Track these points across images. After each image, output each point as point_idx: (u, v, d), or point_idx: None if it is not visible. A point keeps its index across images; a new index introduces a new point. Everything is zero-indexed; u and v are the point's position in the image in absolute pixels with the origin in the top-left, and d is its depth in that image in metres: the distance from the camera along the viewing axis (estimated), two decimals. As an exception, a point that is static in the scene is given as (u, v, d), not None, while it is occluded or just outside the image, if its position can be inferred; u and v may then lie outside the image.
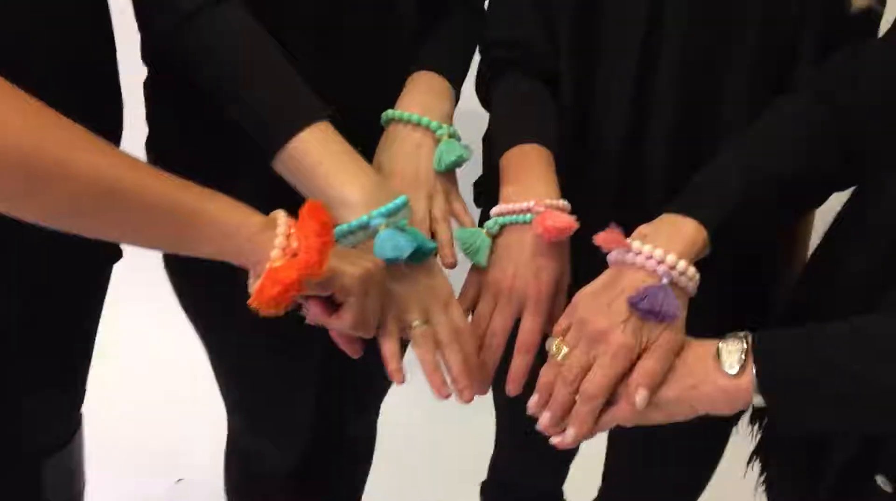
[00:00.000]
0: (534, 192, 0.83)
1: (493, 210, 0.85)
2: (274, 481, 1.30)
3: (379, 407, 1.34)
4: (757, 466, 0.93)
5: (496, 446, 1.27)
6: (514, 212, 0.83)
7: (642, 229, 0.78)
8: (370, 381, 1.24)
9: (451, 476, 1.63)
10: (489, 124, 0.96)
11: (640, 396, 0.72)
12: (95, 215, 0.65)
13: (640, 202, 0.91)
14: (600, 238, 0.77)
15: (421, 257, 0.79)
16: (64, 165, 0.62)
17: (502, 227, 0.84)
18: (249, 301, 0.69)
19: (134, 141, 0.96)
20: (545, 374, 0.78)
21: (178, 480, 1.76)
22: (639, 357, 0.74)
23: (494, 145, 0.91)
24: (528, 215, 0.82)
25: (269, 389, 1.16)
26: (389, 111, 0.90)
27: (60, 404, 1.00)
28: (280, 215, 0.71)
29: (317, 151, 0.79)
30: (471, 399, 0.79)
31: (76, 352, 1.00)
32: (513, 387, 0.82)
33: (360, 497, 1.44)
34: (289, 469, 1.29)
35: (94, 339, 1.01)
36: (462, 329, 0.81)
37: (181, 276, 1.05)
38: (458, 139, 0.90)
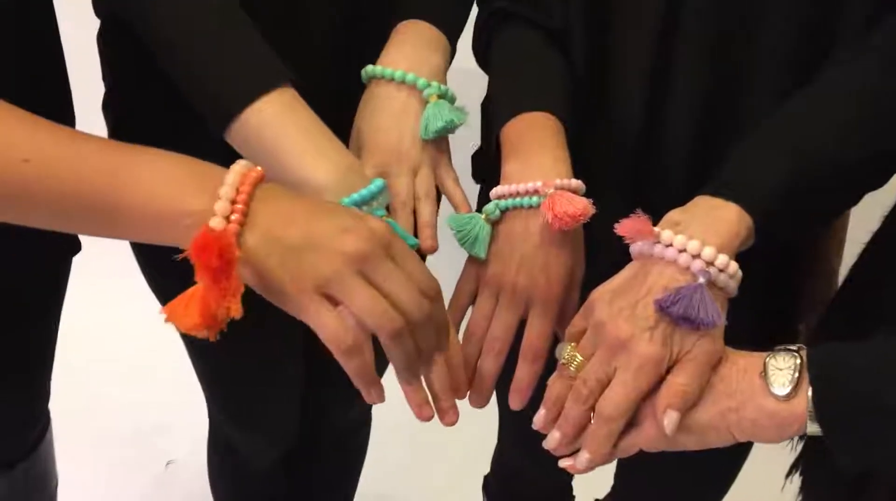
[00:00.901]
0: (541, 170, 0.69)
1: (494, 191, 0.71)
2: (259, 474, 1.22)
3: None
4: (797, 479, 0.80)
5: (499, 438, 1.16)
6: (517, 194, 0.69)
7: (673, 215, 0.65)
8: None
9: (451, 467, 1.53)
10: (488, 87, 0.81)
11: (670, 419, 0.59)
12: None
13: (662, 182, 0.77)
14: (624, 227, 0.63)
15: None
16: None
17: (504, 212, 0.70)
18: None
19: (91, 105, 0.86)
20: (555, 387, 0.65)
21: (169, 462, 1.67)
22: (668, 371, 0.61)
23: (494, 113, 0.76)
24: (535, 198, 0.68)
25: (251, 384, 1.06)
26: (370, 67, 0.76)
27: (20, 415, 0.89)
28: (226, 190, 0.54)
29: (278, 123, 0.65)
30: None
31: (35, 356, 0.89)
32: (516, 400, 0.70)
33: (354, 488, 1.36)
34: (274, 462, 1.20)
35: (56, 337, 0.90)
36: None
37: (154, 271, 0.94)
38: (452, 100, 0.76)
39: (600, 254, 0.70)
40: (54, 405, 0.94)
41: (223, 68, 0.66)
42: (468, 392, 0.70)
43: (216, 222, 0.53)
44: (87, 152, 0.54)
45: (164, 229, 0.55)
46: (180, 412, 1.67)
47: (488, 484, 1.22)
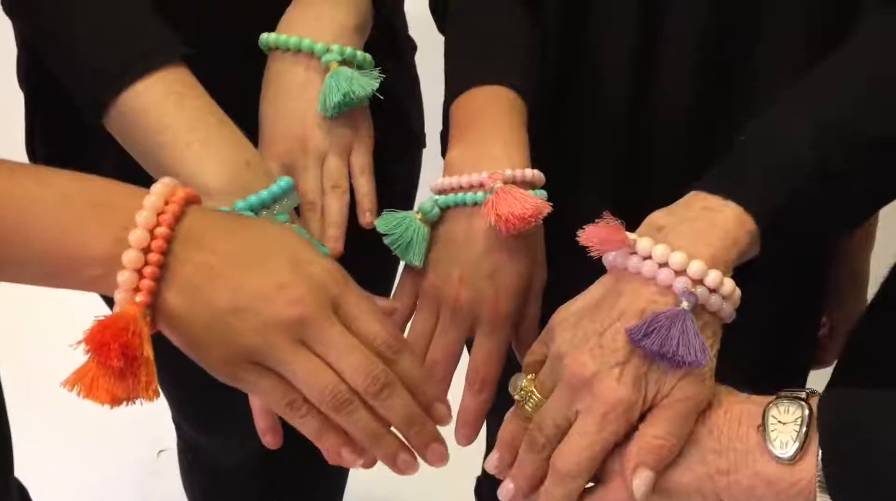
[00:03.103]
0: (490, 158, 0.56)
1: (434, 185, 0.58)
2: (233, 477, 1.12)
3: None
4: None
5: (488, 439, 1.03)
6: (459, 188, 0.57)
7: (656, 217, 0.51)
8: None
9: (443, 468, 1.42)
10: (444, 56, 0.67)
11: (640, 479, 0.46)
12: None
13: (651, 172, 0.64)
14: (589, 235, 0.49)
15: None
16: None
17: (444, 209, 0.57)
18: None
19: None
20: (508, 427, 0.53)
21: (161, 451, 1.59)
22: (642, 418, 0.48)
23: (446, 85, 0.63)
24: (480, 193, 0.56)
25: (213, 387, 0.93)
26: (264, 35, 0.63)
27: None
28: (138, 235, 0.44)
29: (160, 110, 0.54)
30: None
31: None
32: (463, 436, 0.58)
33: (341, 489, 1.25)
34: (247, 463, 1.10)
35: None
36: None
37: None
38: (365, 64, 0.63)
39: (582, 260, 0.57)
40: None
41: (96, 41, 0.55)
42: None
43: (124, 279, 0.43)
44: None
45: (63, 277, 0.44)
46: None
47: (481, 486, 1.11)
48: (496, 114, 0.58)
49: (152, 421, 1.60)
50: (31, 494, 0.86)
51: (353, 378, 0.46)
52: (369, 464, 0.50)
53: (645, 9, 0.60)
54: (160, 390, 0.92)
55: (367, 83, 0.60)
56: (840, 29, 0.57)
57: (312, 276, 0.46)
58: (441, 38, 0.67)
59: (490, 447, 1.03)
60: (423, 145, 0.86)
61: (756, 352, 0.71)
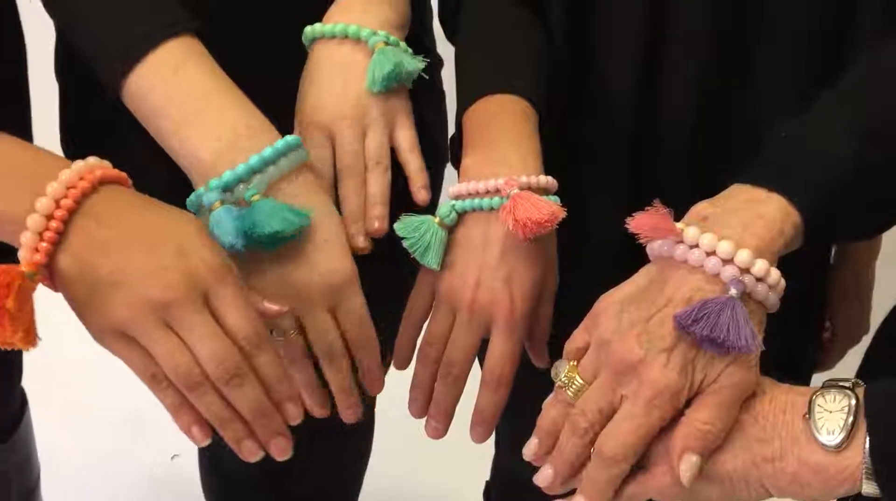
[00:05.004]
0: (505, 165, 0.57)
1: (451, 190, 0.58)
2: (247, 480, 1.12)
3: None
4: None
5: (496, 445, 1.04)
6: (476, 194, 0.57)
7: (701, 208, 0.51)
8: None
9: (452, 473, 1.43)
10: (455, 65, 0.69)
11: (687, 464, 0.47)
12: None
13: (659, 178, 0.65)
14: (639, 223, 0.50)
15: (280, 240, 0.54)
16: None
17: (461, 214, 0.58)
18: None
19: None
20: (549, 412, 0.53)
21: (174, 456, 1.59)
22: (688, 405, 0.48)
23: (458, 95, 0.63)
24: (496, 199, 0.56)
25: None
26: (309, 27, 0.63)
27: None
28: (44, 202, 0.48)
29: (164, 86, 0.54)
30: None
31: None
32: (478, 433, 0.59)
33: (356, 493, 1.24)
34: (256, 471, 1.08)
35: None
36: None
37: None
38: (405, 50, 0.63)
39: (595, 260, 0.58)
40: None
41: (106, 19, 0.55)
42: (426, 421, 0.60)
43: (26, 239, 0.48)
44: None
45: None
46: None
47: (489, 491, 1.11)
48: (509, 122, 0.59)
49: (167, 426, 1.62)
50: (44, 497, 0.87)
51: (207, 364, 0.49)
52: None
53: (649, 15, 0.61)
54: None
55: (411, 60, 0.61)
56: (837, 37, 0.59)
57: (191, 265, 0.49)
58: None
59: (499, 449, 1.05)
60: (447, 160, 0.87)
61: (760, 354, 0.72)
